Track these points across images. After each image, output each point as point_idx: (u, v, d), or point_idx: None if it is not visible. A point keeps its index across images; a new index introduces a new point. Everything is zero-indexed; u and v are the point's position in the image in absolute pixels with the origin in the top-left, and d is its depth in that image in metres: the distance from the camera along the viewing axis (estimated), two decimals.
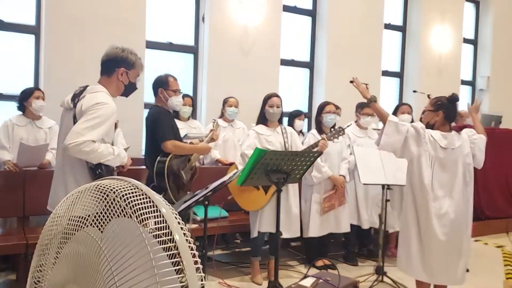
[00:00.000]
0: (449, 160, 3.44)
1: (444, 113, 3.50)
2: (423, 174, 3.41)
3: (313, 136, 4.80)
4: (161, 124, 3.66)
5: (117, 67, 2.89)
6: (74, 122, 2.72)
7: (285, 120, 5.83)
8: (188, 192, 3.65)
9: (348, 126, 4.71)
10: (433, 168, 3.42)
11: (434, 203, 3.40)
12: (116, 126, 4.55)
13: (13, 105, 4.56)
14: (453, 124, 3.68)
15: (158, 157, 3.61)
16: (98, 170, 2.71)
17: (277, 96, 4.46)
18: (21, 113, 4.50)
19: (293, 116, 5.76)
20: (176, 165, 3.66)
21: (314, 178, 4.65)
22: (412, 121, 5.31)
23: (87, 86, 2.89)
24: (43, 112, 4.54)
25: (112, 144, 2.89)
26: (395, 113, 5.37)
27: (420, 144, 3.41)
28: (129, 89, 3.00)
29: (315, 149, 4.28)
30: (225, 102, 5.62)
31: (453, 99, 3.52)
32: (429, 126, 3.56)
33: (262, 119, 4.47)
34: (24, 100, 4.44)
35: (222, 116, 5.63)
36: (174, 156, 3.64)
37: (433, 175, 3.41)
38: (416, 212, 3.46)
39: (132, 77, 2.96)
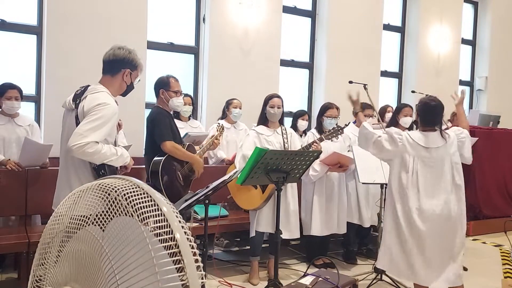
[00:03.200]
0: (433, 159, 3.46)
1: (417, 115, 3.65)
2: (401, 176, 3.47)
3: (312, 135, 4.82)
4: (159, 124, 3.69)
5: (123, 68, 2.93)
6: (77, 123, 2.75)
7: (289, 120, 5.86)
8: (189, 191, 3.67)
9: (346, 125, 4.73)
10: (416, 168, 3.45)
11: (418, 202, 3.41)
12: (120, 126, 4.58)
13: None
14: (449, 124, 3.72)
15: (155, 157, 3.64)
16: (101, 171, 2.74)
17: (278, 97, 4.47)
18: None
19: (297, 116, 5.79)
20: (172, 166, 3.67)
21: (312, 177, 4.68)
22: (411, 125, 5.31)
23: (88, 86, 2.91)
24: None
25: (115, 144, 2.92)
26: (397, 114, 5.34)
27: (396, 146, 3.49)
28: (129, 89, 3.05)
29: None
30: (229, 103, 5.61)
31: (425, 106, 3.57)
32: (417, 124, 3.71)
33: (263, 120, 4.49)
34: None
35: (225, 117, 5.65)
36: (170, 157, 3.66)
37: (418, 175, 3.44)
38: (398, 213, 3.48)
39: (133, 78, 3.00)
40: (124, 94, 3.06)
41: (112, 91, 2.90)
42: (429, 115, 3.57)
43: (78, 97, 2.86)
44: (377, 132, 3.65)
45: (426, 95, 5.10)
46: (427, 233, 3.40)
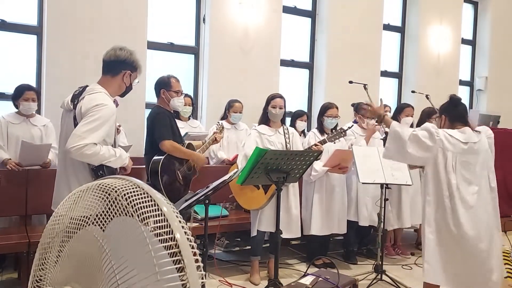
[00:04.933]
0: (472, 156, 3.31)
1: (446, 116, 3.46)
2: (440, 175, 3.27)
3: (313, 135, 4.83)
4: (159, 124, 3.69)
5: (124, 69, 2.93)
6: (75, 124, 2.74)
7: (288, 120, 5.86)
8: (189, 191, 3.68)
9: (349, 127, 4.74)
10: (455, 166, 3.27)
11: (458, 203, 3.22)
12: (119, 129, 4.59)
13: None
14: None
15: (154, 157, 3.64)
16: (99, 172, 2.74)
17: (281, 97, 4.45)
18: (15, 110, 4.46)
19: (296, 116, 5.79)
20: (171, 165, 3.67)
21: (312, 177, 4.68)
22: (412, 124, 5.31)
23: (86, 86, 2.91)
24: (38, 111, 4.54)
25: (114, 144, 2.92)
26: (398, 114, 5.35)
27: (434, 142, 3.26)
28: (128, 90, 3.06)
29: None
30: (230, 106, 5.60)
31: (451, 100, 3.49)
32: None
33: (265, 119, 4.48)
34: (15, 99, 4.41)
35: (225, 118, 5.64)
36: (169, 156, 3.66)
37: (456, 173, 3.26)
38: (435, 215, 3.29)
39: (132, 80, 3.01)
40: (122, 95, 3.07)
41: (110, 91, 2.90)
42: (456, 108, 3.44)
43: (76, 97, 2.86)
44: (408, 128, 3.47)
45: (427, 95, 5.14)
46: (468, 234, 3.22)
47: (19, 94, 4.38)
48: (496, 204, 3.44)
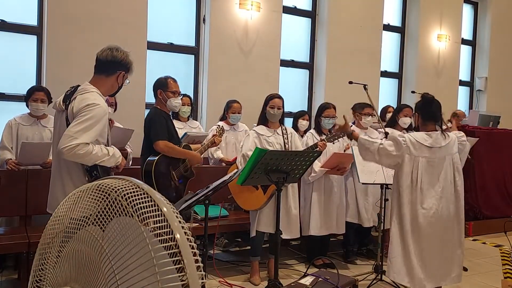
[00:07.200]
0: (437, 159, 3.49)
1: (419, 114, 3.64)
2: (405, 177, 3.48)
3: (311, 135, 4.83)
4: (155, 124, 3.68)
5: (119, 70, 2.93)
6: (67, 124, 2.73)
7: (289, 120, 5.86)
8: (189, 192, 3.67)
9: None
10: (420, 168, 3.47)
11: (424, 204, 3.43)
12: (112, 122, 4.58)
13: (15, 105, 4.56)
14: (449, 124, 3.73)
15: (149, 157, 3.63)
16: (94, 172, 2.73)
17: (279, 97, 4.45)
18: (27, 111, 4.47)
19: (298, 116, 5.79)
20: (166, 166, 3.65)
21: (310, 178, 4.68)
22: (410, 126, 5.29)
23: (77, 86, 2.90)
24: (47, 112, 4.53)
25: (107, 144, 2.91)
26: (397, 113, 5.34)
27: (401, 149, 3.48)
28: (118, 90, 3.06)
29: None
30: (229, 107, 5.56)
31: (424, 99, 3.63)
32: (416, 128, 3.70)
33: (263, 120, 4.48)
34: (26, 100, 4.42)
35: (224, 118, 5.63)
36: (163, 157, 3.65)
37: (422, 175, 3.47)
38: (402, 215, 3.49)
39: (124, 80, 3.01)
40: (113, 94, 3.07)
41: (103, 91, 2.90)
42: (429, 107, 3.60)
43: (68, 97, 2.85)
44: (376, 140, 3.68)
45: None
46: (430, 234, 3.43)
47: (28, 95, 4.39)
48: (460, 204, 3.60)
